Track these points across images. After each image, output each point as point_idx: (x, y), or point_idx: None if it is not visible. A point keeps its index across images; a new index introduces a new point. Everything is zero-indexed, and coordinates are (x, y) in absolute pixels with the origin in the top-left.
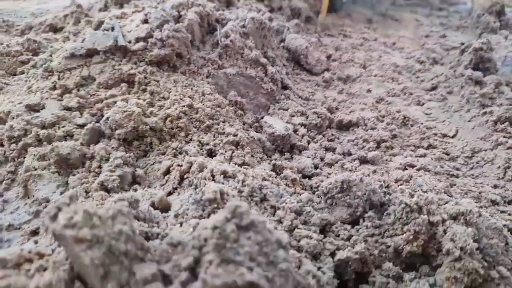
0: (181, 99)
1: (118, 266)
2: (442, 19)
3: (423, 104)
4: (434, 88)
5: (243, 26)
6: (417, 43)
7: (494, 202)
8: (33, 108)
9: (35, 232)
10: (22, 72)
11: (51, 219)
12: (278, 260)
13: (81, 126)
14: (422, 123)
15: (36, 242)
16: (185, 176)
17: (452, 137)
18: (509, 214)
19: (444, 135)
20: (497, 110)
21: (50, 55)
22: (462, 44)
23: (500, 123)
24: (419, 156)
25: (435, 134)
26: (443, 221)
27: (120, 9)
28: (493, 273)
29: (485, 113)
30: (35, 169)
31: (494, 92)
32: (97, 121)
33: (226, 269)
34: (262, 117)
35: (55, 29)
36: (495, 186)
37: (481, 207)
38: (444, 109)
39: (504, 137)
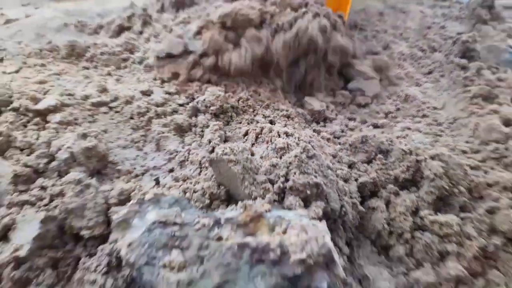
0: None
1: (248, 175)
2: (444, 10)
3: (421, 85)
4: (430, 72)
5: None
6: (421, 34)
7: (464, 152)
8: (145, 93)
9: (171, 170)
10: (125, 67)
11: (209, 152)
12: (328, 174)
13: (181, 105)
14: (419, 99)
15: (172, 175)
16: (259, 136)
17: (440, 109)
18: (472, 158)
19: (435, 108)
20: (474, 88)
21: (144, 54)
22: (458, 34)
23: (475, 98)
24: (415, 123)
25: (428, 107)
26: (425, 159)
27: (176, 12)
28: (455, 189)
29: (465, 91)
30: (163, 133)
31: (474, 75)
32: (191, 101)
33: (303, 176)
34: (303, 98)
35: (123, 28)
36: (466, 142)
37: (454, 154)
38: (437, 88)
39: (477, 108)
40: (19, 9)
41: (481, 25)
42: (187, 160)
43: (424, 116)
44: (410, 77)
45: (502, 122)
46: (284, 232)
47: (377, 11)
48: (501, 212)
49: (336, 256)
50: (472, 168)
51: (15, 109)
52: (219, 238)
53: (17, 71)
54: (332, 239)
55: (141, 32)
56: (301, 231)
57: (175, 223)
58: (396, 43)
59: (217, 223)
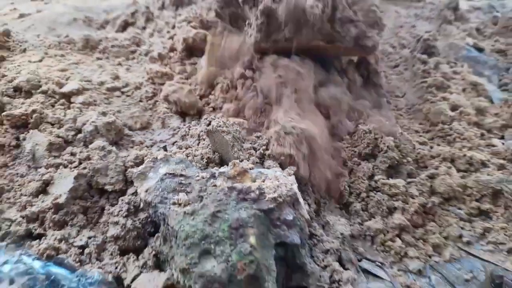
0: None
1: (237, 143)
2: (417, 10)
3: (387, 77)
4: (396, 66)
5: None
6: (393, 32)
7: (416, 131)
8: (153, 81)
9: (175, 142)
10: (133, 58)
11: (207, 125)
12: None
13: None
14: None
15: (176, 145)
16: None
17: (402, 97)
18: (422, 136)
19: (397, 96)
20: (429, 79)
21: (149, 47)
22: (426, 32)
23: (429, 88)
24: None
25: (392, 96)
26: (382, 137)
27: (175, 10)
28: (404, 160)
29: (422, 82)
30: (167, 113)
31: (432, 68)
32: None
33: (280, 147)
34: None
35: (127, 23)
36: (420, 123)
37: (408, 133)
38: (400, 80)
39: (431, 96)
40: (29, 4)
41: (446, 25)
42: (188, 134)
43: (387, 102)
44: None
45: (450, 107)
46: (263, 182)
47: None
48: (439, 178)
49: (301, 199)
50: (420, 143)
51: (43, 92)
52: (214, 185)
53: (40, 60)
54: (302, 198)
55: (144, 28)
56: (275, 179)
57: (181, 175)
58: None
59: (213, 176)
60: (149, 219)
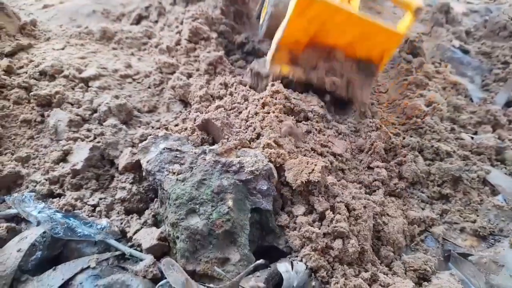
0: None
1: (226, 127)
2: None
3: None
4: None
5: None
6: None
7: (392, 123)
8: (161, 70)
9: (177, 124)
10: (145, 49)
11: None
12: None
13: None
14: None
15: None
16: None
17: (384, 93)
18: (397, 128)
19: (380, 92)
20: (410, 78)
21: (159, 40)
22: (418, 34)
23: (409, 85)
24: None
25: (375, 92)
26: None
27: (185, 6)
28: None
29: (404, 79)
30: (170, 99)
31: (415, 68)
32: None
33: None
34: None
35: (141, 17)
36: (397, 117)
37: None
38: (386, 77)
39: (410, 92)
40: None
41: (437, 27)
42: (187, 118)
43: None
44: None
45: (425, 103)
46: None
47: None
48: (406, 164)
49: (275, 173)
50: (394, 134)
51: (65, 76)
52: (204, 159)
53: (62, 49)
54: None
55: (156, 21)
56: (254, 156)
57: (177, 150)
58: None
59: (204, 152)
60: (150, 187)
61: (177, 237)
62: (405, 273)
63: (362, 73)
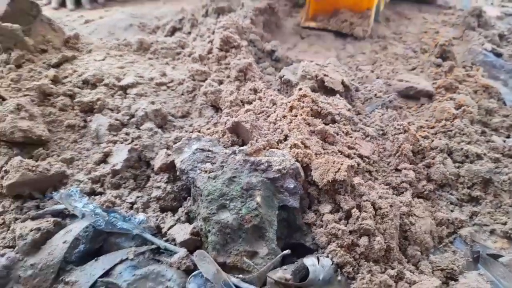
0: None
1: (255, 129)
2: (446, 17)
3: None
4: (413, 68)
5: None
6: (417, 37)
7: (421, 127)
8: (194, 78)
9: (209, 128)
10: (179, 59)
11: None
12: None
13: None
14: None
15: (209, 129)
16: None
17: None
18: (426, 131)
19: None
20: (439, 81)
21: (192, 49)
22: (448, 38)
23: (439, 88)
24: None
25: None
26: None
27: (217, 18)
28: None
29: (433, 83)
30: (202, 104)
31: (445, 71)
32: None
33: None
34: None
35: (175, 29)
36: (426, 120)
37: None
38: None
39: (439, 95)
40: (93, 12)
41: (469, 31)
42: (218, 122)
43: None
44: (395, 72)
45: (455, 106)
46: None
47: (384, 16)
48: (435, 166)
49: (302, 172)
50: (423, 137)
51: (106, 84)
52: (234, 158)
53: (103, 59)
54: None
55: (189, 33)
56: (281, 156)
57: (209, 150)
58: (393, 45)
59: (234, 152)
60: (184, 186)
61: (209, 231)
62: (432, 272)
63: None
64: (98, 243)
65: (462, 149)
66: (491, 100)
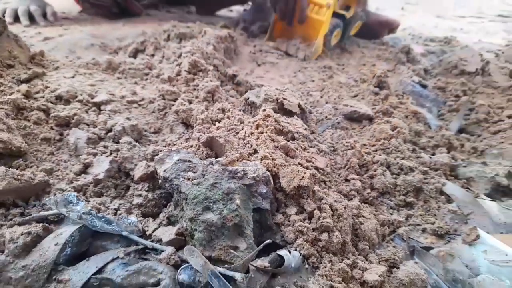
0: None
1: (227, 144)
2: (379, 52)
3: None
4: (356, 95)
5: None
6: (357, 69)
7: (364, 145)
8: (162, 97)
9: (181, 143)
10: (147, 79)
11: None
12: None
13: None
14: None
15: (182, 144)
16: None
17: None
18: (368, 148)
19: None
20: (378, 107)
21: (159, 71)
22: (381, 70)
23: (377, 113)
24: None
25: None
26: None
27: (179, 43)
28: (353, 165)
29: (373, 108)
30: (174, 121)
31: (382, 99)
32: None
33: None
34: None
35: (137, 51)
36: (368, 139)
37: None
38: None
39: (378, 119)
40: (51, 29)
41: (400, 65)
42: (190, 138)
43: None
44: (341, 98)
45: (391, 127)
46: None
47: (327, 51)
48: (376, 177)
49: (271, 180)
50: (366, 153)
51: (80, 101)
52: (212, 168)
53: (73, 77)
54: None
55: (153, 55)
56: (254, 166)
57: (189, 161)
58: (338, 75)
59: (211, 163)
60: (163, 194)
61: (195, 230)
62: (379, 262)
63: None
64: (84, 246)
65: (397, 163)
66: (419, 124)
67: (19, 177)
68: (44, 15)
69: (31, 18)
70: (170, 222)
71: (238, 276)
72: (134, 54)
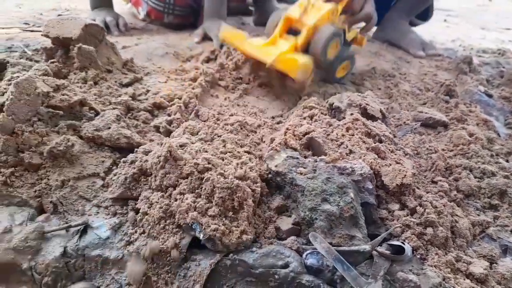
0: None
1: (326, 143)
2: (437, 62)
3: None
4: (424, 103)
5: None
6: (419, 78)
7: (443, 149)
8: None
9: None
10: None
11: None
12: None
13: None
14: None
15: None
16: None
17: None
18: (447, 152)
19: None
20: (451, 114)
21: None
22: (446, 80)
23: (452, 120)
24: None
25: None
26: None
27: None
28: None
29: (446, 116)
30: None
31: (453, 106)
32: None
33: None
34: None
35: (209, 59)
36: (445, 144)
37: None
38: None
39: (453, 125)
40: (127, 38)
41: (462, 75)
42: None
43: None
44: (411, 105)
45: (467, 134)
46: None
47: (391, 60)
48: (461, 180)
49: (374, 177)
50: (448, 157)
51: (178, 104)
52: (321, 165)
53: (165, 82)
54: None
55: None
56: (359, 164)
57: (296, 158)
58: (402, 83)
59: (315, 160)
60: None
61: (316, 218)
62: (477, 258)
63: None
64: None
65: (479, 167)
66: (490, 132)
67: None
68: (117, 25)
69: (107, 28)
70: (280, 212)
71: (367, 246)
72: (206, 62)
